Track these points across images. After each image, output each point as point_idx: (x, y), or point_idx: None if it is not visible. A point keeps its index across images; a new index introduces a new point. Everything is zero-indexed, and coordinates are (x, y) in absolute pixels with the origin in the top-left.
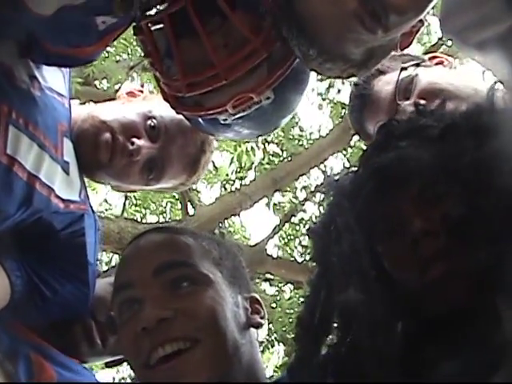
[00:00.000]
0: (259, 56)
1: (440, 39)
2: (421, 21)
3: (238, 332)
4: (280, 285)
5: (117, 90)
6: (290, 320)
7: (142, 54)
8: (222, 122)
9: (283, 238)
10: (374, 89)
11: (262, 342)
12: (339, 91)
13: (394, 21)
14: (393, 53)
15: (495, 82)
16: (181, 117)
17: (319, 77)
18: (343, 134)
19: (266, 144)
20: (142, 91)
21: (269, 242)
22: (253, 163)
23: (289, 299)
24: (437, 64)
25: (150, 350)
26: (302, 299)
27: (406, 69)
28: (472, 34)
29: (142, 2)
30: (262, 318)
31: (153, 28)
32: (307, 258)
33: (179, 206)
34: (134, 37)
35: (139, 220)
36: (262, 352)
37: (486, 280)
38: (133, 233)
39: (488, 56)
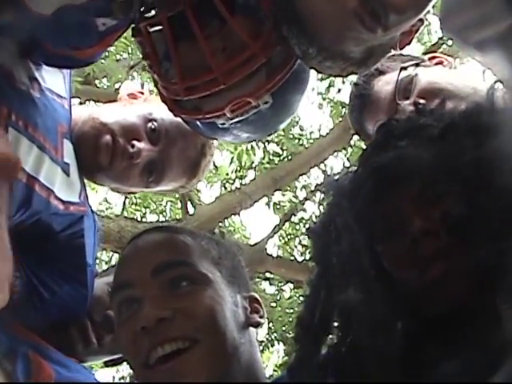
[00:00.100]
0: (258, 61)
1: (440, 39)
2: (420, 20)
3: (238, 331)
4: (280, 284)
5: (117, 89)
6: (290, 319)
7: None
8: (220, 125)
9: (283, 238)
10: (373, 89)
11: (262, 341)
12: (339, 91)
13: (393, 20)
14: (392, 52)
15: (495, 82)
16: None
17: (319, 76)
18: (343, 133)
19: (266, 143)
20: (143, 93)
21: (269, 241)
22: (253, 162)
23: (289, 298)
24: (436, 64)
25: (149, 350)
26: (301, 298)
27: (405, 69)
28: (472, 33)
29: (142, 3)
30: (261, 317)
31: (151, 30)
32: (307, 257)
33: (179, 205)
34: None
35: (139, 219)
36: (262, 351)
37: (486, 279)
38: (133, 232)
39: (488, 55)
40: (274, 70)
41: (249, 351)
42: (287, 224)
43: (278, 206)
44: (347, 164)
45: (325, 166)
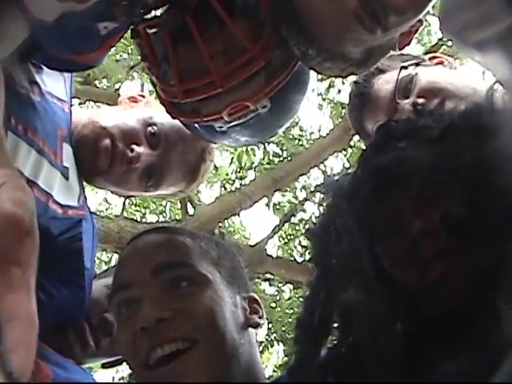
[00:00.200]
0: (257, 64)
1: (440, 39)
2: (420, 21)
3: (237, 332)
4: (280, 285)
5: (117, 90)
6: (290, 320)
7: None
8: (218, 129)
9: (283, 238)
10: (373, 87)
11: (262, 341)
12: (339, 91)
13: (393, 21)
14: (392, 52)
15: (495, 82)
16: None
17: (319, 77)
18: (343, 134)
19: (266, 144)
20: (144, 96)
21: (268, 241)
22: (253, 163)
23: (288, 299)
24: (437, 64)
25: (148, 350)
26: (301, 299)
27: (405, 68)
28: (472, 34)
29: (144, 5)
30: (260, 317)
31: (150, 32)
32: (307, 258)
33: (179, 205)
34: None
35: (139, 219)
36: (262, 352)
37: (486, 279)
38: (132, 232)
39: (488, 56)
40: (273, 74)
41: (248, 352)
42: (287, 225)
43: (277, 207)
44: (347, 165)
45: (325, 166)
